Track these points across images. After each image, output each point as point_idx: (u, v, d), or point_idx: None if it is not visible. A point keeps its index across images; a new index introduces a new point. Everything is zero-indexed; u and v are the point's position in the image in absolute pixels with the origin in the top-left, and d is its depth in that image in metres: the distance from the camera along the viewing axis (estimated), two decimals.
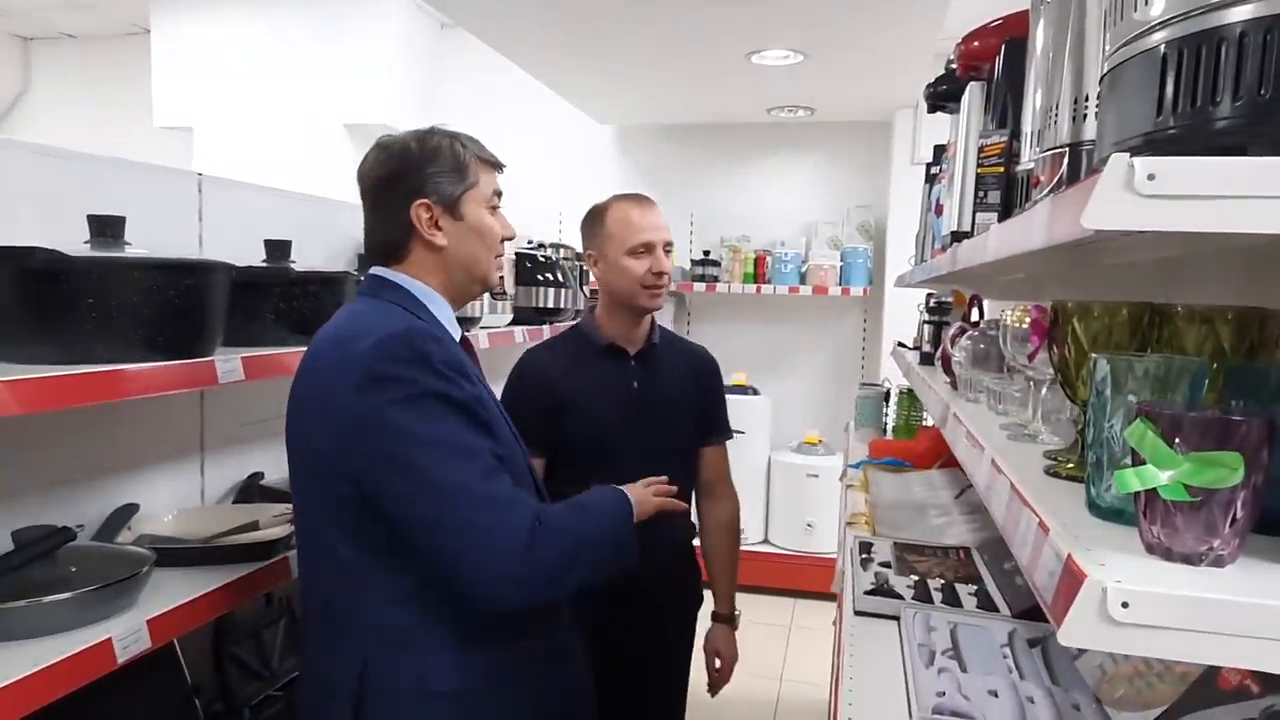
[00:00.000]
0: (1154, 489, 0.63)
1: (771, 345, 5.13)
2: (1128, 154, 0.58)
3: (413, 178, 1.34)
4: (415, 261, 1.37)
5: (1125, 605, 0.59)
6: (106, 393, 1.29)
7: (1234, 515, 0.64)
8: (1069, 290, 1.96)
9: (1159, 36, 0.70)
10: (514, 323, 2.84)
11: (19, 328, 1.31)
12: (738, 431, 4.79)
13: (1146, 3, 0.72)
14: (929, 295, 2.91)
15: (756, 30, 3.42)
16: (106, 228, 1.42)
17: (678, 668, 2.08)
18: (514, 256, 2.88)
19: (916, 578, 1.56)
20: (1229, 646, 0.58)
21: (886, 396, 3.32)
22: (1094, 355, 0.78)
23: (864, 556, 1.70)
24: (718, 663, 2.07)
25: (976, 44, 1.64)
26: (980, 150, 1.47)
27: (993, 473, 1.03)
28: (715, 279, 4.89)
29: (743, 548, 4.59)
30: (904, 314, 3.88)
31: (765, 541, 4.84)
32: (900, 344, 3.17)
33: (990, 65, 1.61)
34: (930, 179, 2.57)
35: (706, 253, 4.93)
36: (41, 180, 1.59)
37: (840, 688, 1.16)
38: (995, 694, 1.09)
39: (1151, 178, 0.58)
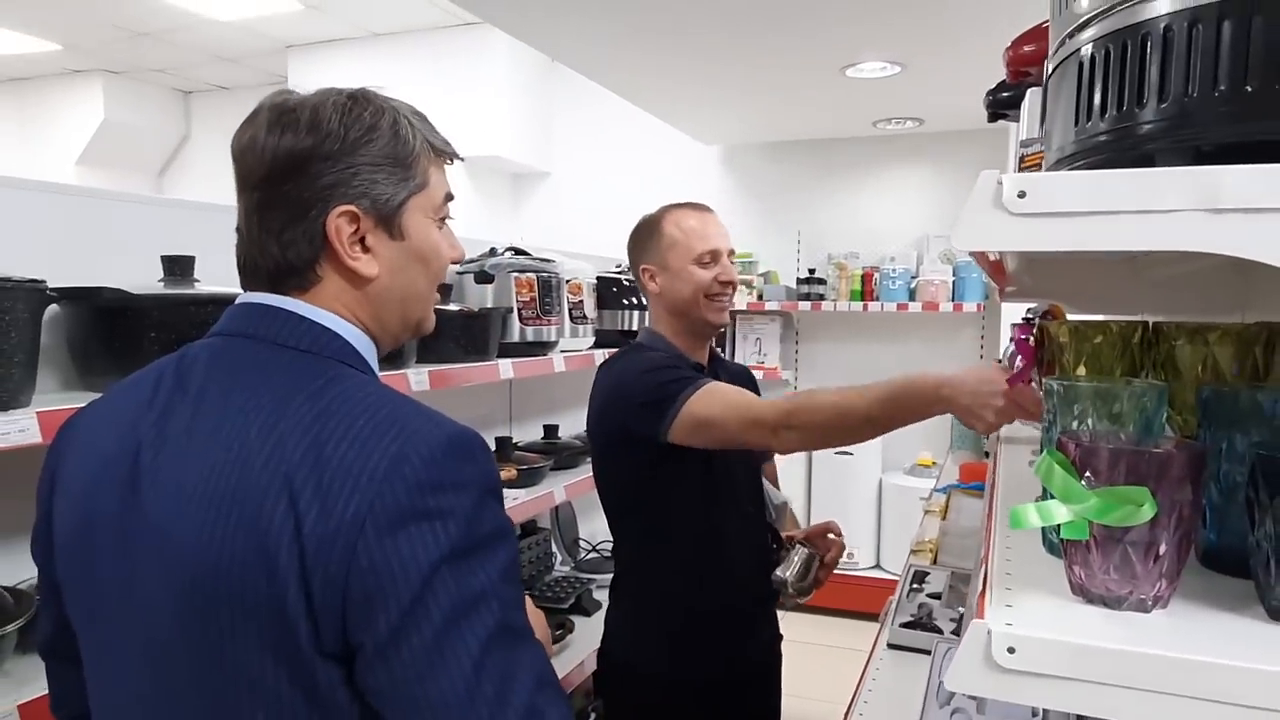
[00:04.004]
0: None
1: (882, 364, 4.97)
2: (998, 171, 0.55)
3: (334, 169, 0.85)
4: (324, 294, 0.87)
5: (1011, 650, 0.55)
6: None
7: (1156, 554, 0.59)
8: (1152, 301, 1.82)
9: (1087, 35, 0.66)
10: (595, 346, 2.88)
11: (95, 359, 1.45)
12: (846, 453, 4.75)
13: None
14: (1028, 309, 2.76)
15: (848, 44, 3.36)
16: (177, 266, 1.55)
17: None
18: (594, 281, 2.93)
19: (964, 610, 1.48)
20: (1120, 700, 0.53)
21: None
22: (1046, 380, 0.73)
23: (914, 586, 1.62)
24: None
25: (1026, 48, 1.56)
26: (1020, 161, 1.39)
27: (989, 499, 0.98)
28: (821, 297, 4.80)
29: (854, 573, 4.54)
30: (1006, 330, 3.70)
31: (877, 566, 4.68)
32: (998, 361, 3.01)
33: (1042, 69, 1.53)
34: None
35: (812, 271, 4.85)
36: (133, 224, 1.75)
37: None
38: None
39: (1022, 195, 0.54)
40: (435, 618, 0.72)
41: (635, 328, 3.01)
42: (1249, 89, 0.52)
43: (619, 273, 3.16)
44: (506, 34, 3.48)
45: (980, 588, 0.63)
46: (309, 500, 0.73)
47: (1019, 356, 1.02)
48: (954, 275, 4.58)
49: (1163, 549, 0.58)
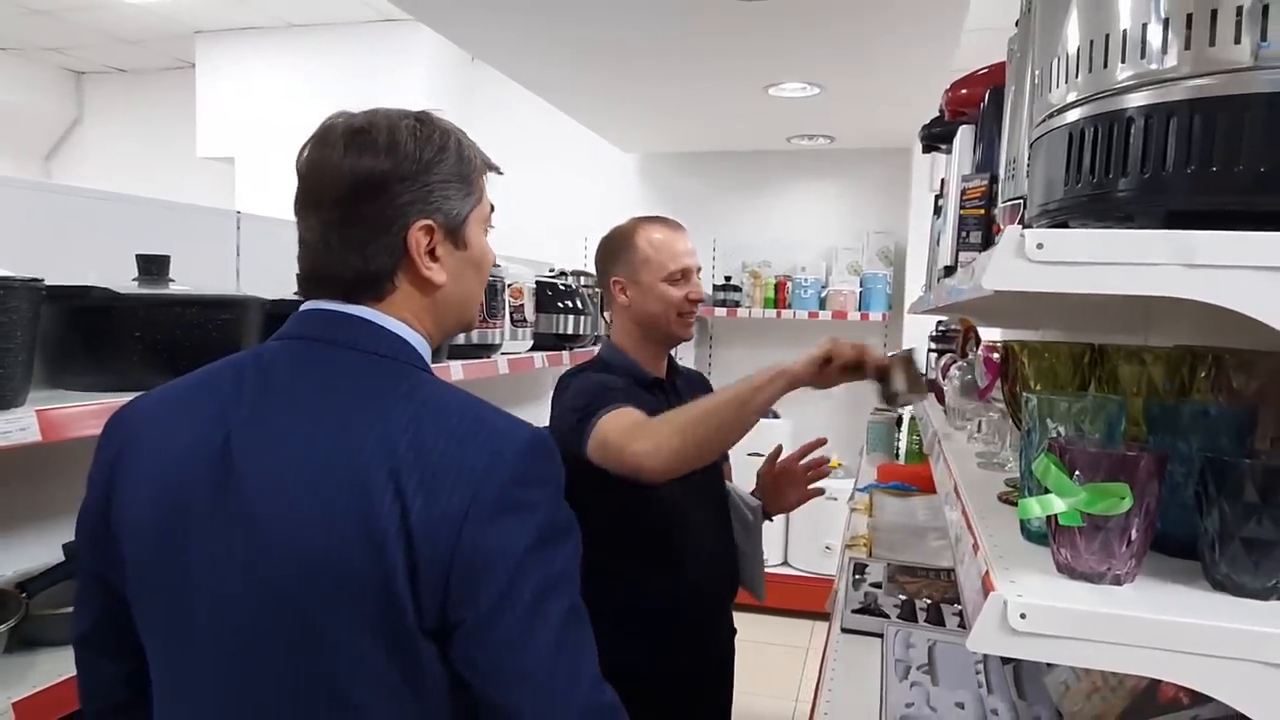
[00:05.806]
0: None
1: None
2: (1020, 226, 0.68)
3: (413, 187, 0.93)
4: (395, 302, 0.95)
5: (1023, 616, 0.68)
6: None
7: (1129, 539, 0.72)
8: (1057, 319, 2.03)
9: (1076, 113, 0.79)
10: (534, 349, 2.95)
11: (75, 359, 1.44)
12: (758, 454, 4.95)
13: (1065, 81, 0.81)
14: (939, 322, 2.98)
15: (773, 65, 3.54)
16: (152, 265, 1.55)
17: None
18: (534, 285, 3.00)
19: (905, 597, 1.63)
20: (1110, 653, 0.67)
21: (899, 422, 3.38)
22: (1024, 393, 0.87)
23: (856, 577, 1.78)
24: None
25: (964, 91, 1.73)
26: (963, 193, 1.56)
27: (954, 497, 1.11)
28: (737, 304, 4.98)
29: (765, 571, 4.73)
30: (923, 340, 3.95)
31: (784, 564, 4.89)
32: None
33: (978, 110, 1.70)
34: (937, 210, 2.65)
35: (728, 278, 5.03)
36: (91, 221, 1.73)
37: (819, 700, 1.24)
38: (962, 706, 1.17)
39: (1040, 246, 0.67)
40: (526, 597, 0.82)
41: (572, 331, 3.10)
42: (1214, 169, 0.66)
43: (553, 276, 3.24)
44: (431, 30, 3.48)
45: (984, 568, 0.76)
46: (414, 492, 0.81)
47: (985, 371, 1.17)
48: (860, 286, 4.84)
49: (1134, 534, 0.72)
